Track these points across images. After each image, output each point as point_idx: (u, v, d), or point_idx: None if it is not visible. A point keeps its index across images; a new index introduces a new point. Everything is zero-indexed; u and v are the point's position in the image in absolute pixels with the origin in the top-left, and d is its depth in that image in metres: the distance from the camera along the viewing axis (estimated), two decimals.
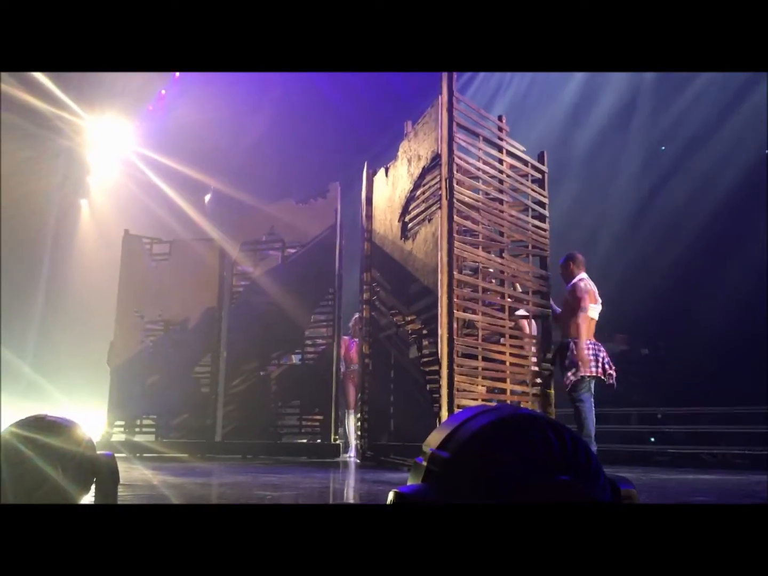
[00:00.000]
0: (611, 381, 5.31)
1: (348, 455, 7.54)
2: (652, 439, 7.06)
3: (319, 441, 7.57)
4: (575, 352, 5.22)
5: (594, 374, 5.25)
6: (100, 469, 1.96)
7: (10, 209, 9.63)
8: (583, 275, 5.47)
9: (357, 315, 7.70)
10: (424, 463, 1.06)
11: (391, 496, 1.02)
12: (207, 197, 11.32)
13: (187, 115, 10.14)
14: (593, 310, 5.37)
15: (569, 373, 5.27)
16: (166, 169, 10.14)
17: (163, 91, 11.71)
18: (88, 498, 2.02)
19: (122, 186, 10.60)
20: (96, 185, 11.12)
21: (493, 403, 5.20)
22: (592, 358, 5.25)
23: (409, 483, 1.06)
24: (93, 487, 2.03)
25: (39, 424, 1.98)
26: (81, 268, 10.62)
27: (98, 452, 2.03)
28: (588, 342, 5.28)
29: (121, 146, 10.66)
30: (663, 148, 9.28)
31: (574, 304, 5.34)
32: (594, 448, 4.93)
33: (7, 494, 1.89)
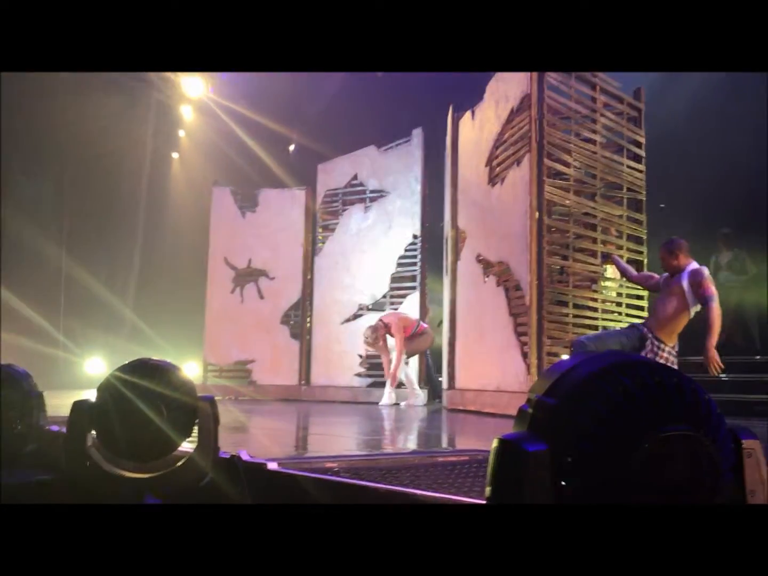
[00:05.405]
0: None
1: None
2: None
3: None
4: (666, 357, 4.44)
5: None
6: (202, 412, 2.02)
7: (108, 161, 10.01)
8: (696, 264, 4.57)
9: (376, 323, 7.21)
10: (530, 410, 1.02)
11: (495, 443, 0.99)
12: (291, 147, 11.40)
13: None
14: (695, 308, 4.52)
15: None
16: (250, 121, 10.24)
17: None
18: (191, 439, 2.09)
19: (210, 139, 10.80)
20: (185, 138, 11.38)
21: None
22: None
23: (513, 430, 1.02)
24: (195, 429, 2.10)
25: (143, 368, 2.05)
26: (173, 217, 10.99)
27: (199, 395, 2.09)
28: (669, 347, 4.49)
29: (207, 100, 10.82)
30: None
31: (699, 293, 4.38)
32: None
33: (116, 439, 1.97)
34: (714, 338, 4.29)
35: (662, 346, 4.43)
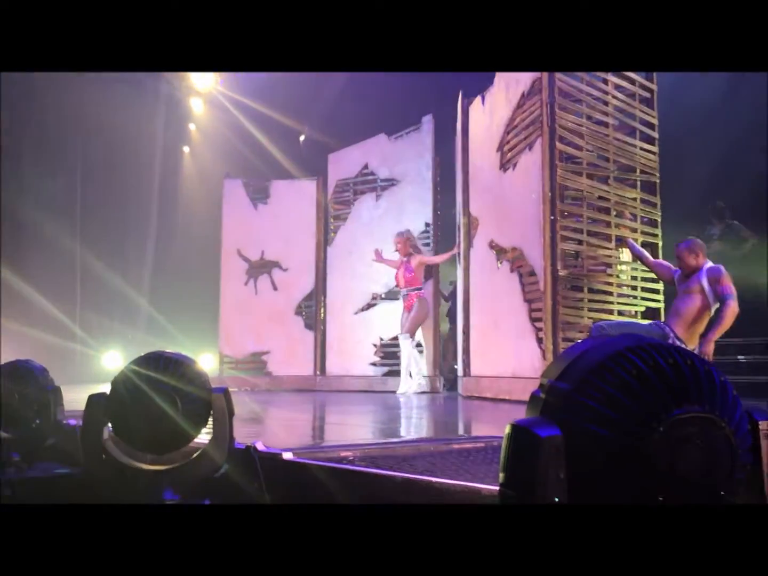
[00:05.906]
0: None
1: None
2: None
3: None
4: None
5: None
6: (216, 404, 2.02)
7: (120, 155, 10.05)
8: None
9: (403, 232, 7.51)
10: (542, 395, 1.01)
11: (507, 429, 0.98)
12: (301, 138, 11.39)
13: None
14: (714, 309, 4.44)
15: None
16: (260, 113, 10.23)
17: None
18: (206, 430, 2.10)
19: (220, 132, 10.81)
20: (196, 131, 11.39)
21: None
22: None
23: (526, 416, 1.02)
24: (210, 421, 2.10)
25: (157, 361, 2.05)
26: (186, 210, 11.03)
27: (213, 387, 2.10)
28: (691, 348, 4.28)
29: (217, 93, 10.82)
30: None
31: (717, 290, 4.33)
32: None
33: (131, 432, 1.98)
34: (718, 334, 4.31)
35: (684, 347, 4.34)
